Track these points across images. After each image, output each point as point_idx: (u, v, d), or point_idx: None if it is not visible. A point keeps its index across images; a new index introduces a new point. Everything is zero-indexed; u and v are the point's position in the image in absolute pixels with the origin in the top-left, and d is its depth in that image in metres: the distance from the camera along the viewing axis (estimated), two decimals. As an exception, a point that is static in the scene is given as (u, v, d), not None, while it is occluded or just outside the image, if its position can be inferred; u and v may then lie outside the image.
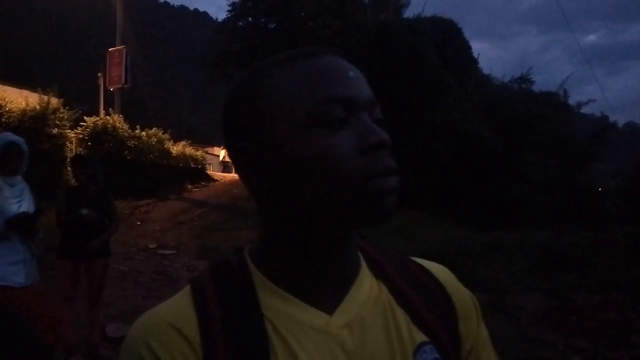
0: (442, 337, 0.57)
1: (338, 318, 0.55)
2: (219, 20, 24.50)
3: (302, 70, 0.54)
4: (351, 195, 0.51)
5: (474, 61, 23.52)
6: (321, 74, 0.53)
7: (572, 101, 26.20)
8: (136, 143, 14.84)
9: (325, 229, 0.54)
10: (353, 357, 0.53)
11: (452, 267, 0.67)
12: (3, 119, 10.06)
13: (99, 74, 19.42)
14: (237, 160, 0.57)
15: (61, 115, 11.47)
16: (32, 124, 10.51)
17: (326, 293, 0.56)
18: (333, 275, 0.57)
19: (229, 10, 17.30)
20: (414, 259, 0.66)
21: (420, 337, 0.56)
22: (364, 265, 0.61)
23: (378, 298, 0.58)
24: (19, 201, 2.85)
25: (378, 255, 0.63)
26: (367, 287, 0.59)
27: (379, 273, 0.61)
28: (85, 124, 13.36)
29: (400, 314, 0.57)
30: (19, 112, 10.45)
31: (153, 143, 16.03)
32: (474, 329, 0.62)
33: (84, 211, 3.60)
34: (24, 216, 2.82)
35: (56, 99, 11.60)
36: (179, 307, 0.56)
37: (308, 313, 0.55)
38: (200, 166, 21.20)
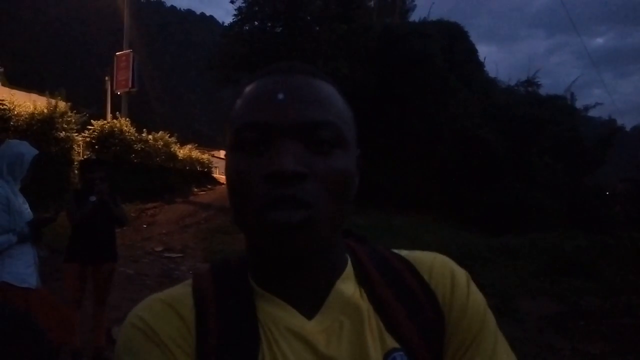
0: (417, 346, 0.55)
1: (316, 322, 0.56)
2: (226, 24, 24.64)
3: (247, 91, 0.56)
4: (252, 224, 0.51)
5: (480, 64, 23.45)
6: (250, 97, 0.54)
7: (579, 104, 26.12)
8: (143, 146, 14.92)
9: None
10: None
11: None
12: (11, 123, 10.16)
13: (106, 78, 19.57)
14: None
15: (69, 119, 11.56)
16: (40, 128, 10.62)
17: (306, 296, 0.57)
18: (309, 281, 0.57)
19: (235, 15, 17.40)
20: (407, 255, 0.64)
21: (392, 344, 0.55)
22: (349, 268, 0.60)
23: (358, 304, 0.57)
24: (26, 207, 2.89)
25: (366, 259, 0.62)
26: (348, 292, 0.58)
27: (363, 278, 0.60)
28: (92, 127, 13.46)
29: (374, 321, 0.57)
30: (27, 116, 10.56)
31: (160, 146, 16.12)
32: (458, 317, 0.58)
33: (92, 198, 3.60)
34: (43, 218, 2.88)
35: (64, 103, 11.69)
36: (176, 292, 0.58)
37: (288, 315, 0.56)
38: (206, 169, 21.29)
